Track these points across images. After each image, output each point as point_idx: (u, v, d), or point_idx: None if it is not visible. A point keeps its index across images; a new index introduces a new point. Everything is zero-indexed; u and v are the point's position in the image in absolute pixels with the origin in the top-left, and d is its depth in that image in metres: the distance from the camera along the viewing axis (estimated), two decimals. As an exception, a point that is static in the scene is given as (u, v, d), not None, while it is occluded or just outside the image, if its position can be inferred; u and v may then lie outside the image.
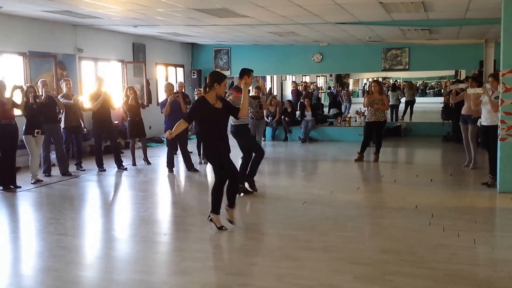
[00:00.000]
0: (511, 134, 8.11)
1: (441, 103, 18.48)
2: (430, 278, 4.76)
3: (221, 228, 6.28)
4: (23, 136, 9.39)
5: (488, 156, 8.95)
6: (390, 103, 18.59)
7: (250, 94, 11.23)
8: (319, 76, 32.89)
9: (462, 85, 10.73)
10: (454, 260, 5.24)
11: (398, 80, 33.58)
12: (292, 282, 4.73)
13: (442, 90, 33.64)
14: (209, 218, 6.36)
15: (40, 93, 9.79)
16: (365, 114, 12.51)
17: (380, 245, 5.78)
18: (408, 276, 4.80)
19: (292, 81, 26.31)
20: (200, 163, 11.43)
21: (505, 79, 8.08)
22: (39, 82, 10.14)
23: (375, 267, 5.07)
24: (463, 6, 9.43)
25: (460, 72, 24.60)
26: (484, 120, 8.85)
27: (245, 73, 7.81)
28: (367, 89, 19.01)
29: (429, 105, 27.23)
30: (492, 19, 10.36)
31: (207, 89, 6.22)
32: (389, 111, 18.20)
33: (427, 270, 4.96)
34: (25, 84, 10.21)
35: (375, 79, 18.28)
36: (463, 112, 10.24)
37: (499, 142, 8.24)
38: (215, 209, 6.33)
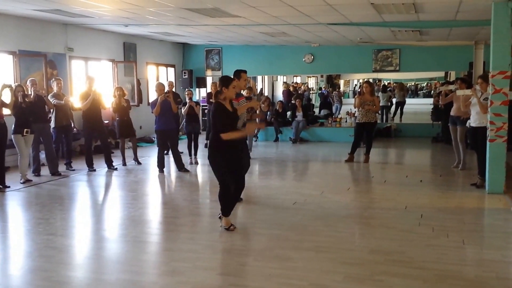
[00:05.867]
0: (500, 135, 8.17)
1: (430, 104, 18.57)
2: (419, 278, 4.79)
3: (229, 228, 6.34)
4: (12, 136, 9.34)
5: (477, 157, 9.01)
6: (380, 104, 18.71)
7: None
8: (310, 77, 32.94)
9: (451, 87, 10.78)
10: (443, 260, 5.27)
11: (390, 81, 33.69)
12: (283, 282, 4.74)
13: (432, 91, 33.79)
14: (219, 216, 6.50)
15: (29, 93, 9.75)
16: (356, 115, 12.56)
17: (370, 245, 5.80)
18: (397, 276, 4.82)
19: (284, 82, 26.33)
20: (191, 163, 11.43)
21: (495, 80, 8.13)
22: (28, 81, 10.09)
23: (365, 267, 5.08)
24: (453, 7, 9.47)
25: (450, 73, 24.71)
26: (473, 122, 8.90)
27: (235, 75, 7.20)
28: (358, 90, 19.05)
29: (419, 106, 27.33)
30: (482, 21, 10.43)
31: (219, 94, 6.25)
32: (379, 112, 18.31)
33: (416, 270, 4.99)
34: (14, 83, 10.16)
35: (365, 80, 18.36)
36: (452, 113, 10.30)
37: (488, 143, 8.29)
38: (226, 212, 6.40)
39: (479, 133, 8.69)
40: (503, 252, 5.63)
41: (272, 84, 26.40)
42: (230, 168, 6.22)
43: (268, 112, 16.26)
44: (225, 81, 6.30)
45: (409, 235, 6.17)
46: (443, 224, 6.61)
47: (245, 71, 7.62)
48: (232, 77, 6.67)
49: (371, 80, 24.48)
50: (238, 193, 6.58)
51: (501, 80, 8.10)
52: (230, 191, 6.33)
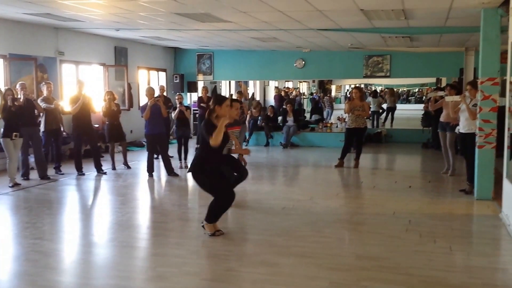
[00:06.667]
0: (488, 141, 8.20)
1: (421, 110, 18.66)
2: (405, 284, 4.79)
3: (214, 234, 6.27)
4: (0, 139, 9.30)
5: (465, 163, 9.05)
6: (371, 110, 18.76)
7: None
8: (302, 82, 32.97)
9: (441, 93, 10.83)
10: (430, 266, 5.28)
11: (382, 87, 33.75)
12: None
13: (424, 97, 33.89)
14: (202, 224, 6.38)
15: (19, 96, 9.71)
16: (346, 120, 12.60)
17: (357, 251, 5.81)
18: (383, 282, 4.82)
19: (275, 87, 26.35)
20: (181, 167, 11.41)
21: (484, 87, 8.16)
22: (17, 85, 10.05)
23: (351, 273, 5.09)
24: (443, 14, 9.51)
25: (441, 79, 24.82)
26: (461, 128, 8.94)
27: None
28: (348, 96, 19.13)
29: (411, 112, 27.41)
30: (472, 28, 10.47)
31: (212, 113, 6.10)
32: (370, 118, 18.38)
33: (402, 276, 4.99)
34: (4, 87, 10.12)
35: (356, 85, 18.40)
36: (441, 119, 10.34)
37: (476, 149, 8.32)
38: (212, 220, 6.33)
39: (468, 140, 8.73)
40: (490, 258, 5.65)
41: (263, 89, 26.41)
42: (216, 181, 6.21)
43: (259, 117, 16.27)
44: (218, 99, 6.18)
45: (396, 241, 6.18)
46: (431, 230, 6.63)
47: (237, 101, 7.56)
48: (226, 96, 6.61)
49: (362, 86, 24.56)
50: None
51: (490, 86, 8.13)
52: (224, 203, 6.30)
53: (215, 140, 5.87)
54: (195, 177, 6.32)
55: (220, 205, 6.29)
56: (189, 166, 11.35)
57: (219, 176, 6.26)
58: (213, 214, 6.31)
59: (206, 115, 6.29)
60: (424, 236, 6.32)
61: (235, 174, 7.42)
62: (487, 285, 4.84)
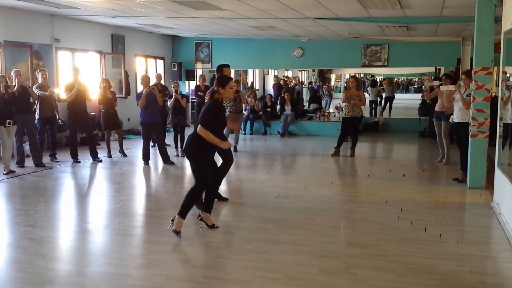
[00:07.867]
0: (481, 131, 8.21)
1: (419, 99, 18.65)
2: (393, 271, 4.82)
3: (212, 226, 6.15)
4: (-5, 127, 9.31)
5: (459, 152, 9.07)
6: (369, 99, 18.76)
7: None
8: (302, 71, 32.90)
9: (436, 82, 10.83)
10: (419, 254, 5.31)
11: (381, 76, 33.67)
12: (257, 275, 4.76)
13: (424, 87, 33.82)
14: (199, 217, 6.20)
15: (13, 83, 9.71)
16: (343, 109, 12.62)
17: (348, 239, 5.86)
18: (371, 269, 4.85)
19: (274, 76, 26.30)
20: (177, 156, 11.42)
21: (477, 76, 8.16)
22: (12, 72, 10.04)
23: (340, 260, 5.12)
24: (438, 3, 9.50)
25: (440, 69, 24.77)
26: (455, 117, 8.96)
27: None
28: (344, 85, 19.12)
29: (410, 101, 27.37)
30: (467, 17, 10.45)
31: (216, 94, 5.91)
32: (368, 107, 18.38)
33: (391, 263, 5.02)
34: (-2, 74, 10.12)
35: (352, 75, 18.44)
36: (436, 108, 10.36)
37: (470, 138, 8.34)
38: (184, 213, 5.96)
39: (462, 129, 8.76)
40: (479, 246, 5.67)
41: (263, 78, 26.38)
42: (202, 167, 5.94)
43: (245, 105, 15.99)
44: (222, 81, 5.99)
45: (387, 229, 6.21)
46: (422, 218, 6.66)
47: (230, 77, 7.39)
48: (229, 76, 6.53)
49: (362, 75, 24.50)
50: (216, 185, 6.55)
51: (483, 76, 8.13)
52: (203, 190, 6.10)
53: (205, 134, 5.71)
54: (189, 156, 5.98)
55: (198, 191, 6.00)
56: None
57: (206, 162, 6.06)
58: (190, 206, 5.98)
59: (209, 97, 6.12)
60: (415, 224, 6.36)
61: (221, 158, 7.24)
62: (475, 273, 4.86)
